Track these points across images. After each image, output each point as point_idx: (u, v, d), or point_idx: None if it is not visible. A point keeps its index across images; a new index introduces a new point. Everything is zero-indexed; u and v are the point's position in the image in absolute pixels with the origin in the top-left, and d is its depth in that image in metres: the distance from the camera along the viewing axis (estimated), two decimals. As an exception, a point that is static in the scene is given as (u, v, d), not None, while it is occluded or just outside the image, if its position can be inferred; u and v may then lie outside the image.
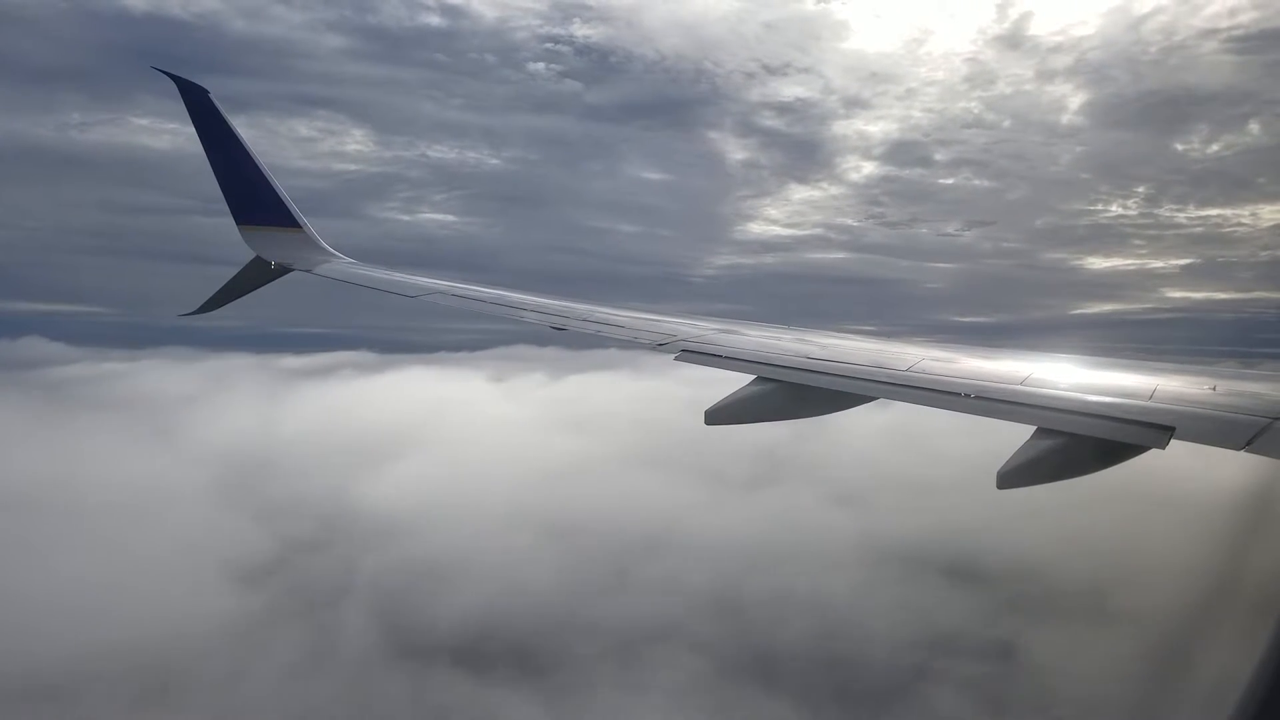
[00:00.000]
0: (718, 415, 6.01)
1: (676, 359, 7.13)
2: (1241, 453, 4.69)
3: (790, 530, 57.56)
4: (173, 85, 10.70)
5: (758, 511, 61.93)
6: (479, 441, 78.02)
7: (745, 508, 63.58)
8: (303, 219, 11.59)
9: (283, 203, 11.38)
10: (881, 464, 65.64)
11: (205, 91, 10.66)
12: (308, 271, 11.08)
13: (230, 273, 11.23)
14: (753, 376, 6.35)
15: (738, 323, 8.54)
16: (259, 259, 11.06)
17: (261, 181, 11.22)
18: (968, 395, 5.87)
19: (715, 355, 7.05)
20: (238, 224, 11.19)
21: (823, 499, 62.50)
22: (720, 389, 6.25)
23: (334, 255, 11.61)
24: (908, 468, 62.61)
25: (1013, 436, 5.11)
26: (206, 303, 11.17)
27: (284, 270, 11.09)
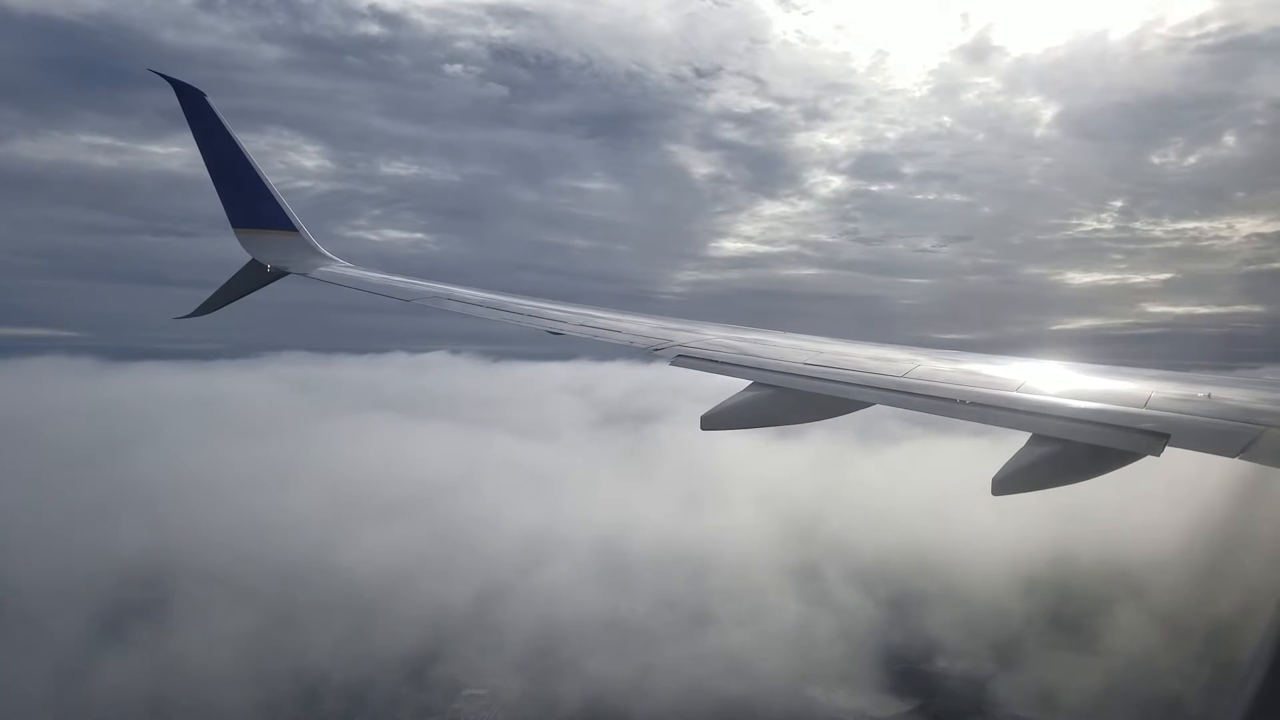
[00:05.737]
0: (714, 420, 6.00)
1: (672, 364, 7.11)
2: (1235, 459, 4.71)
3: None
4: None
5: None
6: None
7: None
8: (299, 222, 11.53)
9: (279, 206, 11.32)
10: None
11: (202, 94, 10.59)
12: (304, 275, 11.04)
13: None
14: (749, 381, 6.35)
15: (733, 328, 8.52)
16: (255, 262, 11.02)
17: (258, 184, 11.15)
18: (963, 401, 5.89)
19: (711, 360, 7.04)
20: (234, 227, 11.12)
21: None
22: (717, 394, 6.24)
23: (330, 259, 11.57)
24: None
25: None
26: (203, 305, 11.12)
27: (280, 273, 11.05)
